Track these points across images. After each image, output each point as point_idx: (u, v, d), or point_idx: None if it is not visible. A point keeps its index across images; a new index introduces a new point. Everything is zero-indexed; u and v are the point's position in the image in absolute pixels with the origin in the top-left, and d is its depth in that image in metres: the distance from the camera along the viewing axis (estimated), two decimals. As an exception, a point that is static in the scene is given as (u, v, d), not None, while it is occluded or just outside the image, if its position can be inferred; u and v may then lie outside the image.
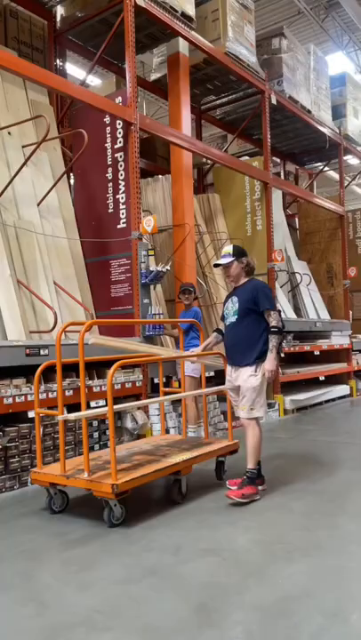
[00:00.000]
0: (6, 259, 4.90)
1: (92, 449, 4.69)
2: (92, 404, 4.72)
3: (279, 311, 3.85)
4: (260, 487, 3.78)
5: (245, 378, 3.75)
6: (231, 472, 4.13)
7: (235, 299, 3.84)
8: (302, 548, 2.82)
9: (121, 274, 5.60)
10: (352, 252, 10.88)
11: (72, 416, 3.42)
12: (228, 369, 3.95)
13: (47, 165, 5.85)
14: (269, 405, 7.25)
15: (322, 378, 8.88)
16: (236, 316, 3.80)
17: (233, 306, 3.83)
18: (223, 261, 3.86)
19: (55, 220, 5.72)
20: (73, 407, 4.63)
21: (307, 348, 8.39)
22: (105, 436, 4.82)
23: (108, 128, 5.71)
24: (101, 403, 4.80)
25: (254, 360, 3.74)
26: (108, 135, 5.72)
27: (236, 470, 3.91)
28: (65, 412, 4.48)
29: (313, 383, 9.10)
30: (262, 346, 3.76)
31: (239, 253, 3.87)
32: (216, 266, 4.04)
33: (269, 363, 3.68)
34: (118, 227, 5.58)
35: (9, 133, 5.45)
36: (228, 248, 3.91)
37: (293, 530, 3.09)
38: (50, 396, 4.33)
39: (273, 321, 3.71)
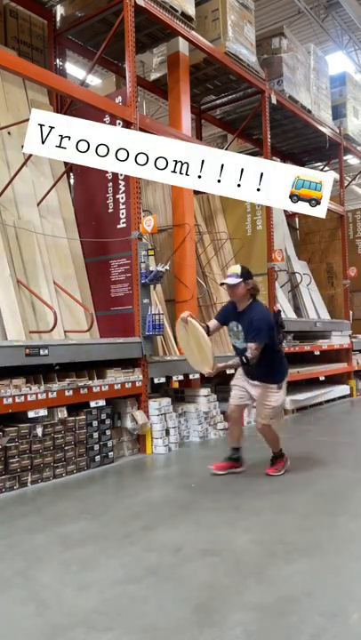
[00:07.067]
0: (6, 258, 4.90)
1: (91, 449, 4.70)
2: (92, 404, 4.73)
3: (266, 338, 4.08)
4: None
5: (268, 394, 4.15)
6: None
7: (238, 325, 4.08)
8: (302, 548, 2.82)
9: (121, 274, 5.60)
10: (352, 252, 10.88)
11: None
12: (243, 374, 4.32)
13: (47, 165, 5.85)
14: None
15: (322, 378, 8.88)
16: (245, 343, 4.06)
17: (239, 332, 4.10)
18: (231, 282, 4.01)
19: (55, 220, 5.72)
20: (73, 407, 4.65)
21: (307, 347, 8.39)
22: (105, 435, 4.82)
23: (108, 128, 5.71)
24: (101, 403, 4.80)
25: (275, 380, 4.17)
26: (107, 135, 5.71)
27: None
28: (65, 412, 4.51)
29: (313, 383, 9.10)
30: (278, 366, 4.22)
31: (247, 275, 4.05)
32: (223, 285, 4.17)
33: (223, 364, 4.09)
34: (118, 227, 5.58)
35: (9, 133, 5.45)
36: (237, 268, 4.06)
37: (293, 530, 3.09)
38: (50, 395, 4.33)
39: (249, 352, 3.97)
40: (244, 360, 3.97)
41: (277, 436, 4.39)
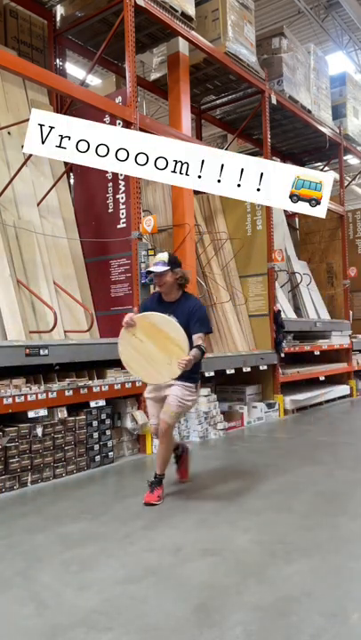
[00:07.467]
0: (6, 258, 4.90)
1: (91, 449, 4.70)
2: (92, 404, 4.73)
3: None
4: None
5: (185, 392, 3.67)
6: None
7: (173, 318, 3.62)
8: (302, 547, 2.82)
9: (121, 274, 5.60)
10: (352, 252, 10.88)
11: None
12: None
13: (47, 165, 5.86)
14: (269, 405, 7.25)
15: (322, 378, 8.88)
16: None
17: None
18: (157, 269, 3.65)
19: (55, 220, 5.72)
20: (73, 407, 4.65)
21: (307, 347, 8.39)
22: (105, 435, 4.82)
23: (108, 128, 5.71)
24: (101, 403, 4.80)
25: (195, 379, 3.74)
26: (107, 135, 5.71)
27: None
28: (65, 412, 4.51)
29: (313, 383, 9.11)
30: (199, 362, 3.71)
31: (174, 263, 3.73)
32: (148, 273, 3.80)
33: (190, 357, 3.46)
34: (118, 227, 5.58)
35: (9, 133, 5.45)
36: (164, 255, 3.75)
37: (293, 530, 3.09)
38: (50, 395, 4.33)
39: (202, 342, 3.59)
40: (203, 349, 3.58)
41: (171, 453, 3.90)
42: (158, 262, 3.70)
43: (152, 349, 3.51)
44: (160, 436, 3.73)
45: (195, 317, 3.64)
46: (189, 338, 3.56)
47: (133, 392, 5.13)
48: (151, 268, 3.71)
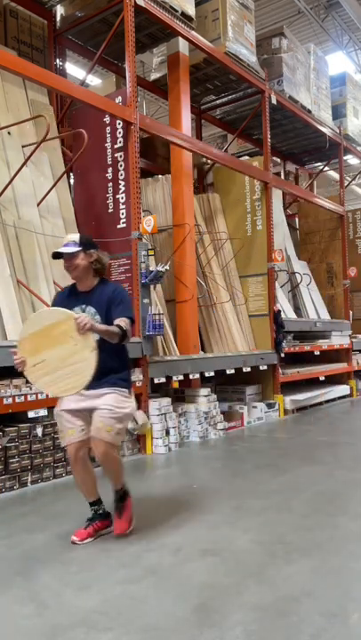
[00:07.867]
0: (6, 258, 4.90)
1: (91, 449, 4.70)
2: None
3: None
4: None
5: (121, 399, 3.02)
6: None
7: (88, 308, 3.04)
8: (302, 547, 2.82)
9: (121, 274, 5.60)
10: (352, 252, 10.89)
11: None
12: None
13: (47, 165, 5.85)
14: (269, 405, 7.25)
15: (322, 378, 8.88)
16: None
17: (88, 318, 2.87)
18: (66, 250, 3.01)
19: (55, 220, 5.72)
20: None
21: (307, 347, 8.39)
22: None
23: (108, 128, 5.71)
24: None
25: (127, 382, 3.15)
26: (107, 135, 5.72)
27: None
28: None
29: (313, 383, 9.11)
30: (127, 361, 3.22)
31: (87, 244, 3.07)
32: (56, 256, 3.10)
33: (99, 325, 2.87)
34: (118, 227, 5.58)
35: (9, 133, 5.45)
36: (74, 236, 3.09)
37: (293, 530, 3.09)
38: (50, 396, 4.32)
39: (125, 325, 2.95)
40: (124, 329, 2.93)
41: (121, 460, 3.25)
42: (68, 242, 3.05)
43: (55, 353, 2.83)
44: (101, 464, 3.01)
45: (116, 301, 3.04)
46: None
47: (134, 392, 5.12)
48: (59, 250, 3.05)
